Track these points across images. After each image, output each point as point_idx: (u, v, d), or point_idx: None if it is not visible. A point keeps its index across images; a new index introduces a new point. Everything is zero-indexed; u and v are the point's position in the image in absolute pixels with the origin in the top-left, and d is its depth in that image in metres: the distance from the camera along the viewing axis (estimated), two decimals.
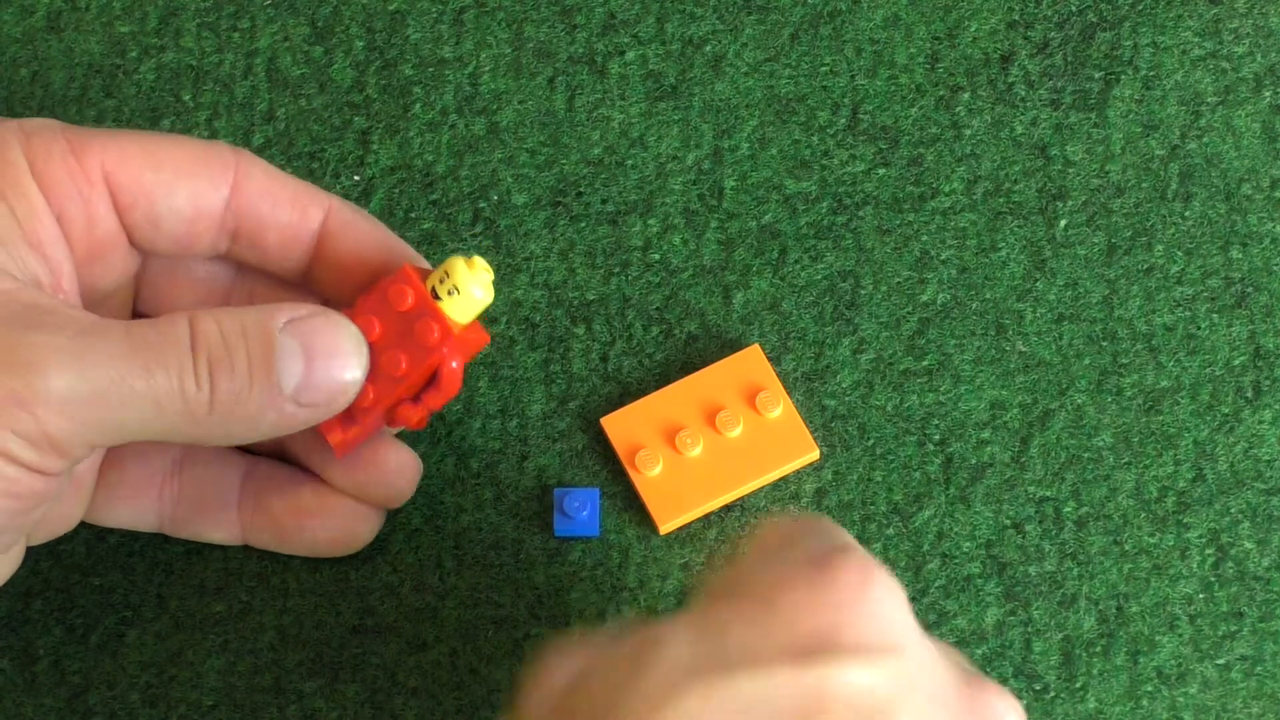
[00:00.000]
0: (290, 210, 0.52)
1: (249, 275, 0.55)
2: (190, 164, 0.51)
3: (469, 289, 0.51)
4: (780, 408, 0.57)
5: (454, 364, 0.51)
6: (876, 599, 0.42)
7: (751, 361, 0.58)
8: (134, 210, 0.51)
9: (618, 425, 0.57)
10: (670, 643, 0.42)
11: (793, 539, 0.45)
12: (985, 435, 0.58)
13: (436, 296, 0.51)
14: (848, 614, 0.42)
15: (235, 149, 0.52)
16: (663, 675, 0.41)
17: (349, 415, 0.51)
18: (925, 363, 0.58)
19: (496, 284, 0.59)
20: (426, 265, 0.53)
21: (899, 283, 0.59)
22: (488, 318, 0.59)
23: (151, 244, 0.52)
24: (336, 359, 0.49)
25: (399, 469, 0.54)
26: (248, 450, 0.56)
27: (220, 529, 0.55)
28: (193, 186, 0.51)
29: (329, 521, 0.54)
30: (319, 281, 0.53)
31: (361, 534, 0.55)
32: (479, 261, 0.51)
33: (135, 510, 0.54)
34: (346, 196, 0.60)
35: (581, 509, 0.55)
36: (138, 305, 0.54)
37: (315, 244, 0.53)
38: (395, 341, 0.51)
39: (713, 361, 0.58)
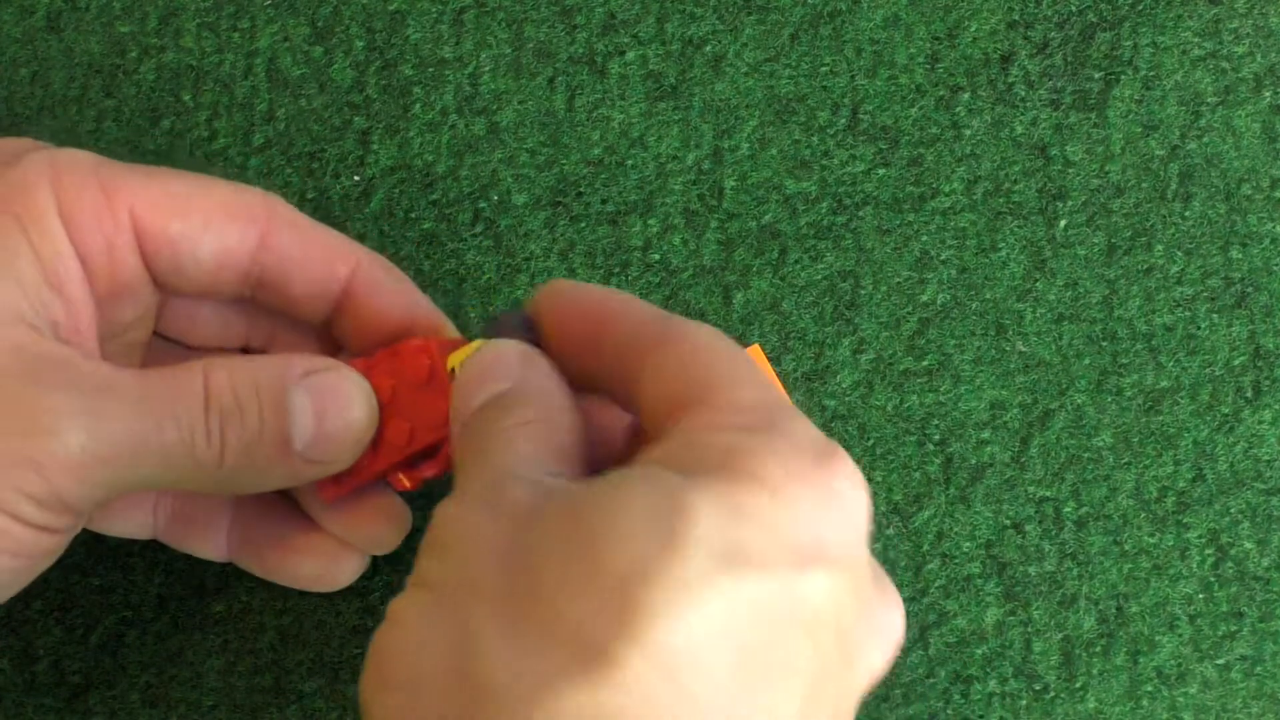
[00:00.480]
0: (318, 266, 0.52)
1: (275, 334, 0.55)
2: (219, 215, 0.51)
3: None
4: None
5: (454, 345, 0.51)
6: (862, 513, 0.43)
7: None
8: (159, 258, 0.51)
9: None
10: (701, 522, 0.41)
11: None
12: (985, 435, 0.58)
13: (454, 376, 0.50)
14: (838, 525, 0.42)
15: (267, 197, 0.52)
16: (695, 561, 0.41)
17: (344, 470, 0.51)
18: (925, 363, 0.58)
19: (496, 284, 0.59)
20: (452, 331, 0.52)
21: (899, 283, 0.59)
22: (489, 318, 0.59)
23: (175, 288, 0.52)
24: (347, 418, 0.49)
25: (388, 518, 0.54)
26: None
27: (209, 547, 0.55)
28: (220, 239, 0.51)
29: (311, 560, 0.54)
30: (341, 331, 0.53)
31: (343, 576, 0.54)
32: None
33: (128, 523, 0.54)
34: (346, 197, 0.60)
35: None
36: (157, 326, 0.54)
37: (340, 298, 0.53)
38: (404, 409, 0.50)
39: None
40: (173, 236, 0.51)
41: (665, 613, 0.40)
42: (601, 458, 0.48)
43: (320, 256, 0.52)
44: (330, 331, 0.54)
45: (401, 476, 0.52)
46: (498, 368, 0.48)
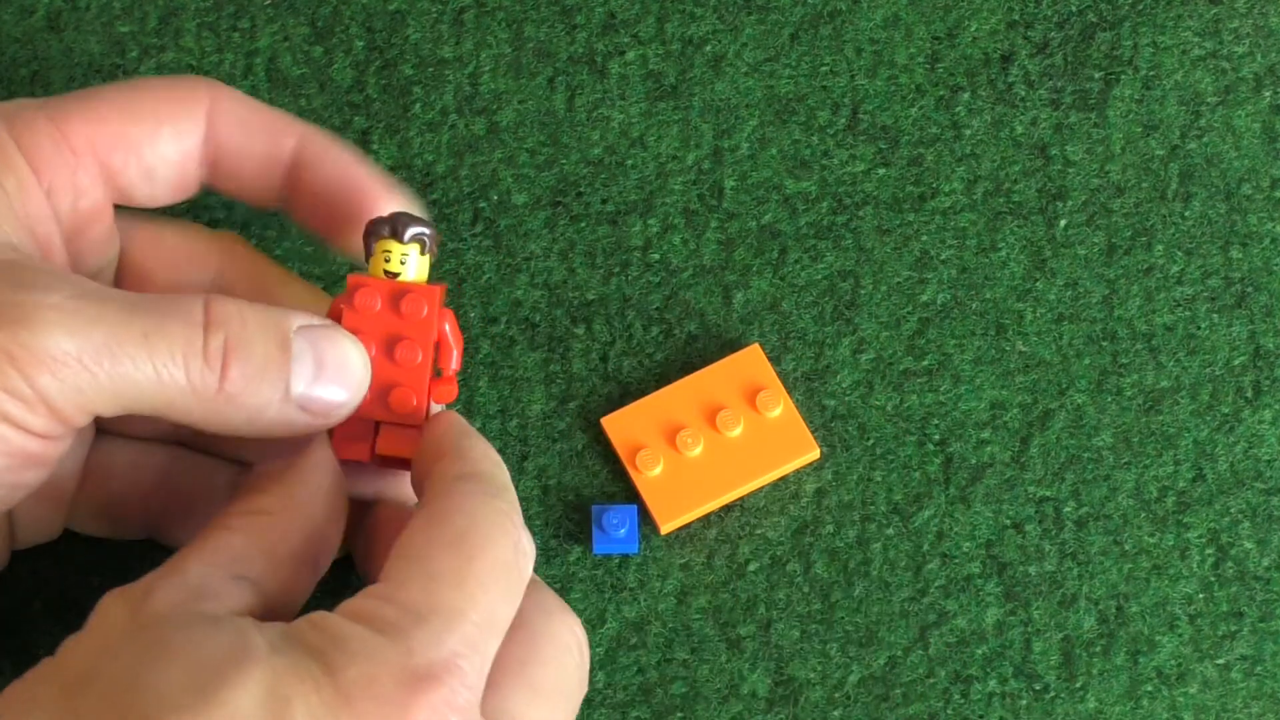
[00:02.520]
0: (264, 138, 0.52)
1: (230, 278, 0.54)
2: (167, 107, 0.51)
3: (414, 255, 0.51)
4: (780, 407, 0.57)
5: (449, 322, 0.51)
6: None
7: (751, 361, 0.58)
8: (126, 169, 0.51)
9: (618, 425, 0.57)
10: (241, 688, 0.42)
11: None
12: (985, 435, 0.58)
13: (394, 275, 0.51)
14: None
15: (209, 82, 0.52)
16: None
17: (400, 427, 0.51)
18: (925, 363, 0.58)
19: (496, 284, 0.59)
20: (396, 193, 0.53)
21: (899, 283, 0.59)
22: (489, 319, 0.59)
23: (150, 197, 0.52)
24: (344, 372, 0.49)
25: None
26: (238, 462, 0.55)
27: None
28: (174, 129, 0.51)
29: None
30: (298, 211, 0.53)
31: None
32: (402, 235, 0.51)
33: (120, 523, 0.54)
34: None
35: (620, 526, 0.55)
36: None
37: (291, 172, 0.53)
38: (394, 341, 0.51)
39: (713, 361, 0.58)
40: (132, 141, 0.51)
41: None
42: None
43: (266, 129, 0.52)
44: (291, 216, 0.54)
45: (444, 391, 0.51)
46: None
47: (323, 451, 0.50)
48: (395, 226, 0.51)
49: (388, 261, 0.51)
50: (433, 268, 0.52)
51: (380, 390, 0.51)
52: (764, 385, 0.57)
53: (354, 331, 0.50)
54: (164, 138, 0.51)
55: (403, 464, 0.51)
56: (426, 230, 0.51)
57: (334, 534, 0.49)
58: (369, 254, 0.51)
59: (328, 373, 0.49)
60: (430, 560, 0.45)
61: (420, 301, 0.50)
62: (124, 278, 0.53)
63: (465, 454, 0.48)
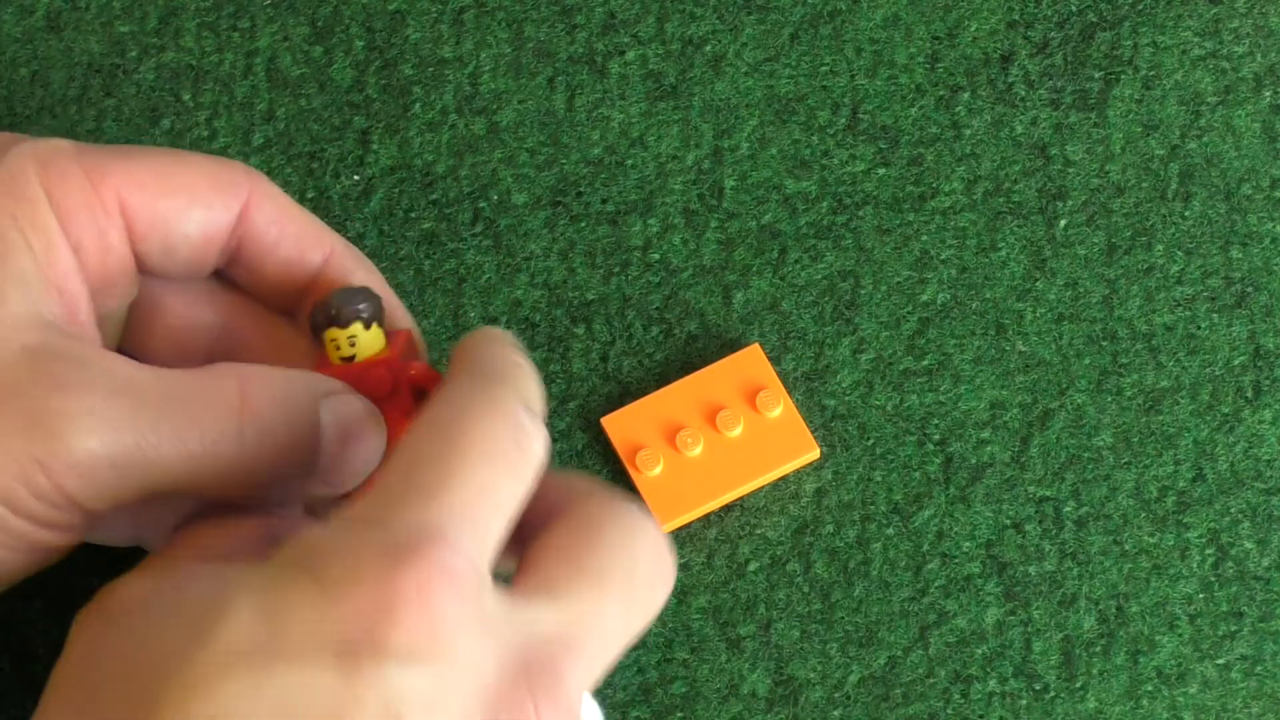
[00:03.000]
0: (294, 245, 0.52)
1: (242, 323, 0.53)
2: (205, 189, 0.51)
3: (359, 334, 0.50)
4: (780, 407, 0.57)
5: (415, 370, 0.50)
6: (438, 602, 0.41)
7: (751, 361, 0.58)
8: (149, 238, 0.50)
9: (618, 425, 0.57)
10: (231, 616, 0.41)
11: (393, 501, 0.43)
12: (985, 435, 0.58)
13: (350, 359, 0.50)
14: (402, 614, 0.40)
15: (250, 172, 0.51)
16: (214, 655, 0.40)
17: None
18: (925, 363, 0.58)
19: (496, 284, 0.59)
20: (412, 327, 0.52)
21: (899, 283, 0.59)
22: (489, 319, 0.59)
23: (163, 270, 0.51)
24: (365, 444, 0.49)
25: None
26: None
27: None
28: (206, 213, 0.51)
29: None
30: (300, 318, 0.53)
31: None
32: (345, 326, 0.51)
33: (114, 531, 0.54)
34: (346, 197, 0.60)
35: None
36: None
37: (310, 283, 0.52)
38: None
39: (713, 361, 0.58)
40: (161, 214, 0.50)
41: (175, 705, 0.40)
42: None
43: (297, 236, 0.52)
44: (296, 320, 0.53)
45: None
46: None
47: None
48: (330, 314, 0.50)
49: (339, 349, 0.50)
50: (385, 331, 0.51)
51: None
52: (764, 385, 0.57)
53: None
54: (193, 219, 0.50)
55: None
56: (361, 305, 0.50)
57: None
58: (320, 344, 0.51)
59: (352, 447, 0.49)
60: (411, 449, 0.43)
61: (381, 376, 0.50)
62: (136, 311, 0.53)
63: (470, 353, 0.47)
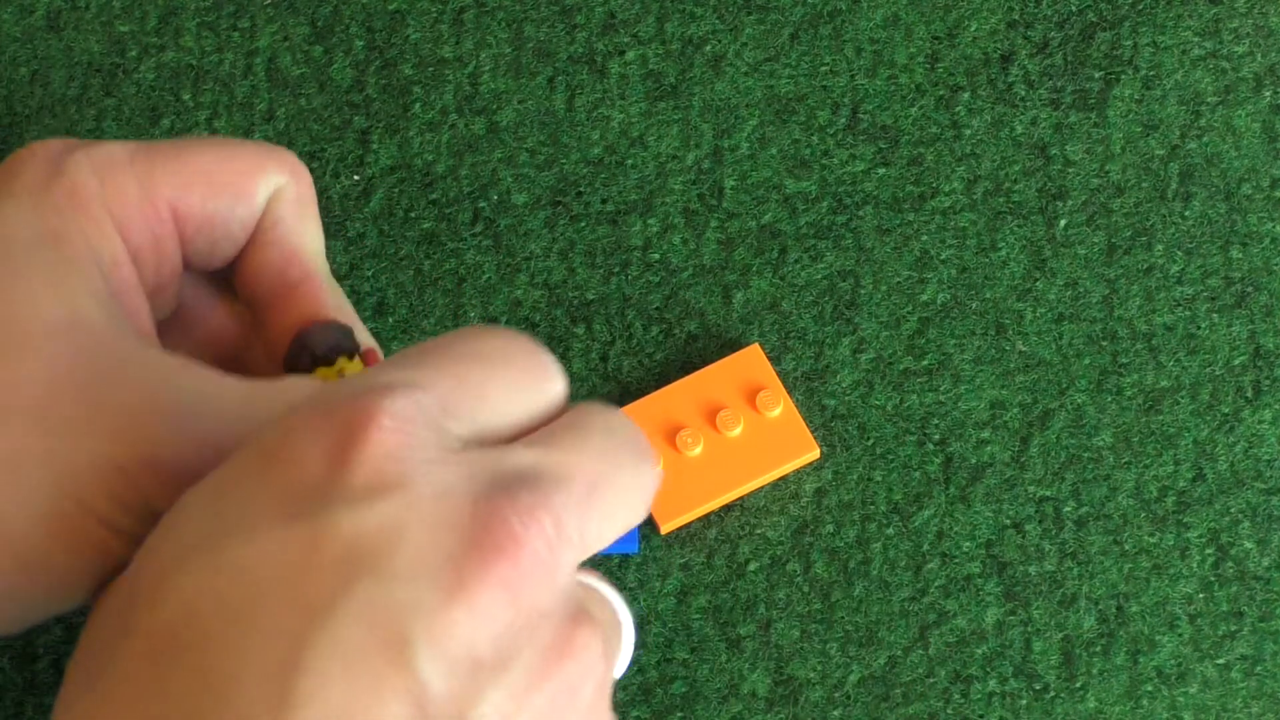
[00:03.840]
0: (278, 257, 0.52)
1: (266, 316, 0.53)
2: (247, 187, 0.51)
3: (348, 366, 0.50)
4: (780, 407, 0.57)
5: None
6: (379, 438, 0.39)
7: (751, 361, 0.58)
8: (196, 239, 0.50)
9: None
10: (186, 509, 0.40)
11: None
12: (985, 435, 0.58)
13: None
14: (343, 457, 0.39)
15: (294, 167, 0.51)
16: (165, 557, 0.39)
17: None
18: (925, 362, 0.58)
19: (496, 284, 0.59)
20: (365, 340, 0.52)
21: (899, 282, 0.59)
22: (489, 319, 0.59)
23: (206, 266, 0.52)
24: None
25: None
26: None
27: None
28: (248, 212, 0.51)
29: None
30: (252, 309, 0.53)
31: None
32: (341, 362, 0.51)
33: None
34: (346, 196, 0.60)
35: None
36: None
37: (278, 298, 0.52)
38: None
39: (713, 361, 0.58)
40: (209, 215, 0.50)
41: (145, 610, 0.39)
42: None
43: (294, 250, 0.51)
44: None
45: None
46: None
47: None
48: (315, 355, 0.50)
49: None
50: (366, 353, 0.51)
51: None
52: (764, 385, 0.57)
53: None
54: (237, 217, 0.50)
55: None
56: (342, 339, 0.50)
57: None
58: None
59: None
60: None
61: None
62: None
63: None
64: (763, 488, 0.57)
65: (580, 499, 0.41)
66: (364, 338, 0.53)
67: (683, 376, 0.58)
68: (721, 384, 0.57)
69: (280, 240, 0.51)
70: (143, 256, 0.49)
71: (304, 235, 0.52)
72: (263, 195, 0.51)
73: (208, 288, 0.53)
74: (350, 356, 0.50)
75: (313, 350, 0.50)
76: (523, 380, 0.43)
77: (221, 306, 0.53)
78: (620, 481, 0.42)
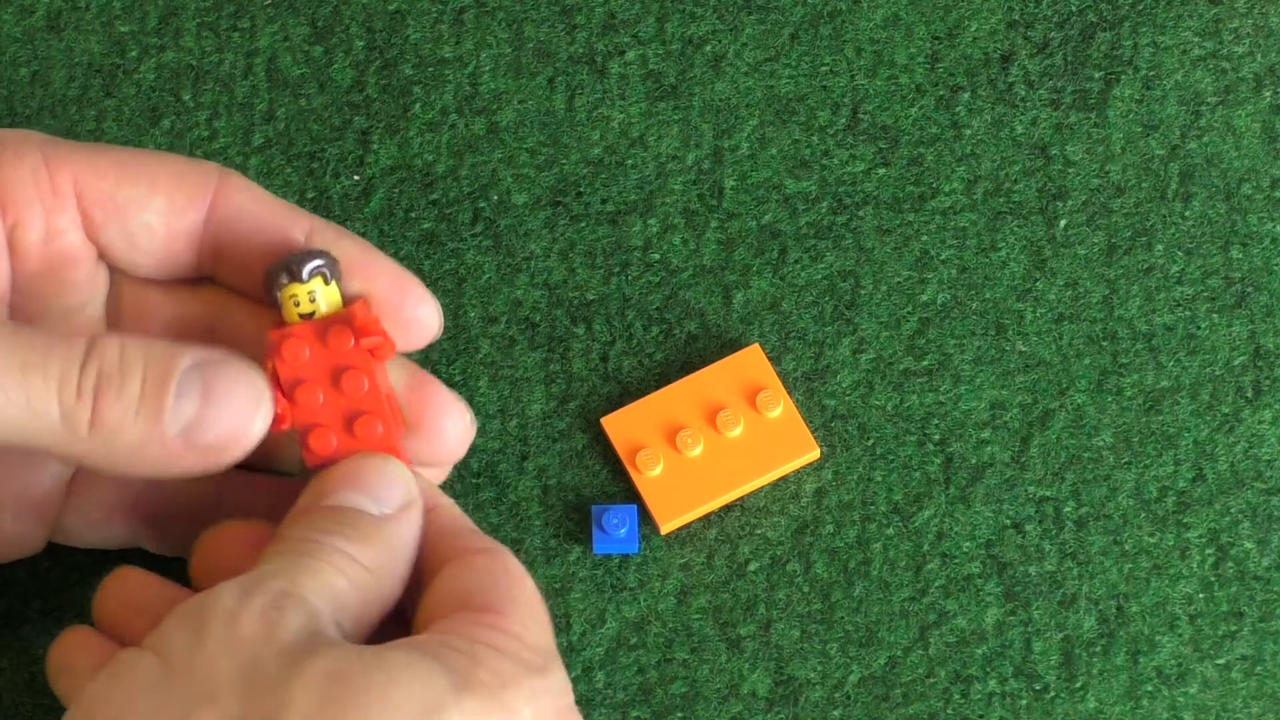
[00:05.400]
0: (272, 233, 0.51)
1: (234, 318, 0.53)
2: (167, 181, 0.50)
3: (320, 289, 0.50)
4: (780, 407, 0.57)
5: (362, 318, 0.50)
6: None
7: (751, 361, 0.58)
8: (107, 227, 0.50)
9: (618, 425, 0.57)
10: None
11: None
12: (985, 435, 0.58)
13: (309, 315, 0.50)
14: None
15: (221, 169, 0.51)
16: None
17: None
18: (925, 363, 0.58)
19: (496, 284, 0.59)
20: (411, 279, 0.52)
21: (899, 283, 0.59)
22: (489, 319, 0.59)
23: (131, 263, 0.51)
24: (232, 406, 0.48)
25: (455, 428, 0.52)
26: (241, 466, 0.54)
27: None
28: (168, 203, 0.50)
29: None
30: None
31: None
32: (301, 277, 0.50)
33: (108, 533, 0.54)
34: (346, 196, 0.60)
35: (620, 526, 0.55)
36: (112, 320, 0.53)
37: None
38: (338, 375, 0.50)
39: (713, 361, 0.58)
40: (119, 203, 0.50)
41: None
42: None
43: (274, 221, 0.51)
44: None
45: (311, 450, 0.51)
46: (395, 485, 0.49)
47: (419, 509, 0.49)
48: (291, 269, 0.50)
49: (298, 305, 0.50)
50: (341, 290, 0.51)
51: (344, 423, 0.50)
52: (764, 385, 0.57)
53: (294, 382, 0.50)
54: (153, 208, 0.50)
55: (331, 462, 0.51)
56: (321, 261, 0.50)
57: (396, 597, 0.49)
58: (276, 304, 0.50)
59: (214, 408, 0.48)
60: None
61: (344, 331, 0.50)
62: (125, 312, 0.53)
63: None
64: (763, 488, 0.57)
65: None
66: (396, 277, 0.52)
67: (683, 376, 0.58)
68: (722, 384, 0.57)
69: (261, 222, 0.51)
70: (23, 224, 0.49)
71: (278, 205, 0.51)
72: (185, 195, 0.50)
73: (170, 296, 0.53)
74: (328, 281, 0.50)
75: (286, 265, 0.50)
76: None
77: (181, 296, 0.53)
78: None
